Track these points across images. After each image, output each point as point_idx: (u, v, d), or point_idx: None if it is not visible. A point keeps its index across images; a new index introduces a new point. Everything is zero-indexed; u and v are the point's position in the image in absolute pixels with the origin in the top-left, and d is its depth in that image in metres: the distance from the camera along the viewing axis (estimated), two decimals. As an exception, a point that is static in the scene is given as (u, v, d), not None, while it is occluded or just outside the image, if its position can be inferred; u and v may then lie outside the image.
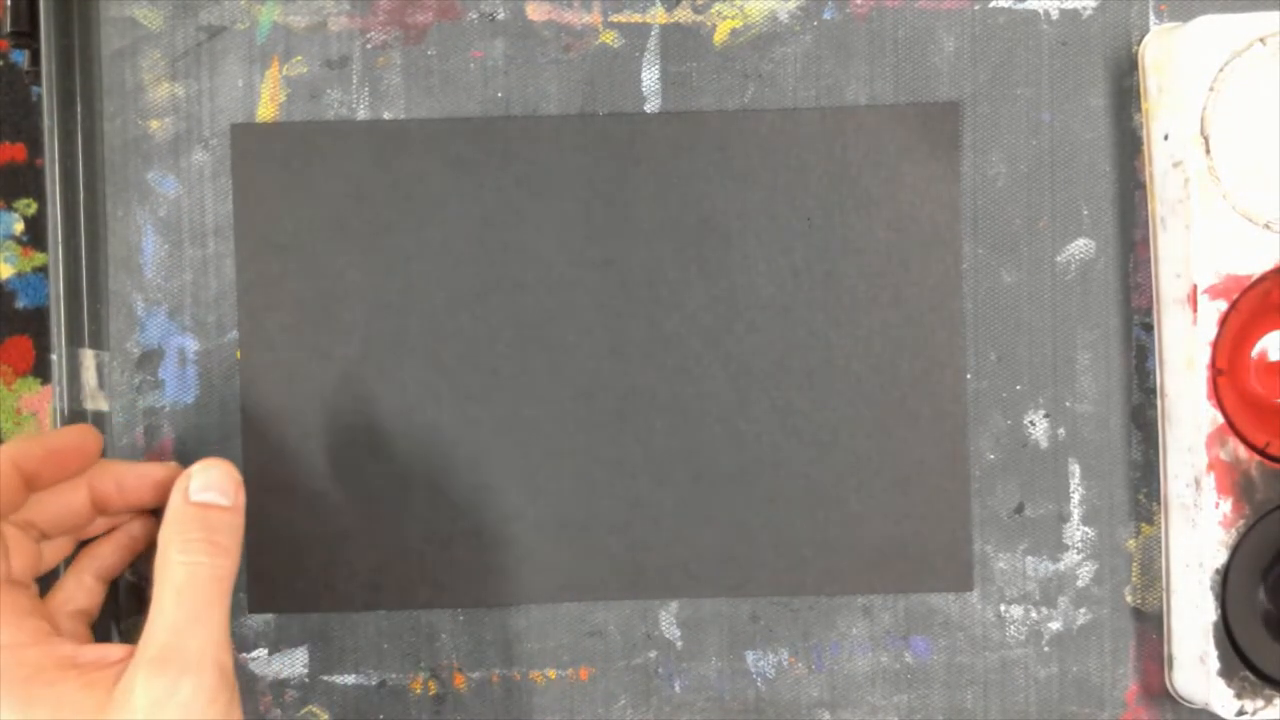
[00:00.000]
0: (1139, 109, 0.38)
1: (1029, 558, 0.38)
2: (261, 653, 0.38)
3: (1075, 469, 0.38)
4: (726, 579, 0.38)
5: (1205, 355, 0.35)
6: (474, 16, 0.38)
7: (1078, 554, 0.38)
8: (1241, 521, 0.35)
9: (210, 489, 0.33)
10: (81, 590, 0.35)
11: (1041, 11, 0.38)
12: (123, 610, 0.38)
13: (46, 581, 0.35)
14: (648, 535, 0.38)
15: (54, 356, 0.37)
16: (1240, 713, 0.35)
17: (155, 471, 0.36)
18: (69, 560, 0.36)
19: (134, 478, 0.35)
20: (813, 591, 0.38)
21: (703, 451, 0.38)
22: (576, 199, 0.38)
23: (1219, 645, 0.35)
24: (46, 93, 0.37)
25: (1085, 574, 0.38)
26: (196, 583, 0.31)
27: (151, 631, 0.30)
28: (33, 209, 0.45)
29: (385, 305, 0.38)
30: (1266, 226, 0.35)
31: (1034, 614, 0.38)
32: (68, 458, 0.34)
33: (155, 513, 0.36)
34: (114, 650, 0.31)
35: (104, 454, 0.38)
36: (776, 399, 0.38)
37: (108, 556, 0.36)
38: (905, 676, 0.38)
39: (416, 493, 0.38)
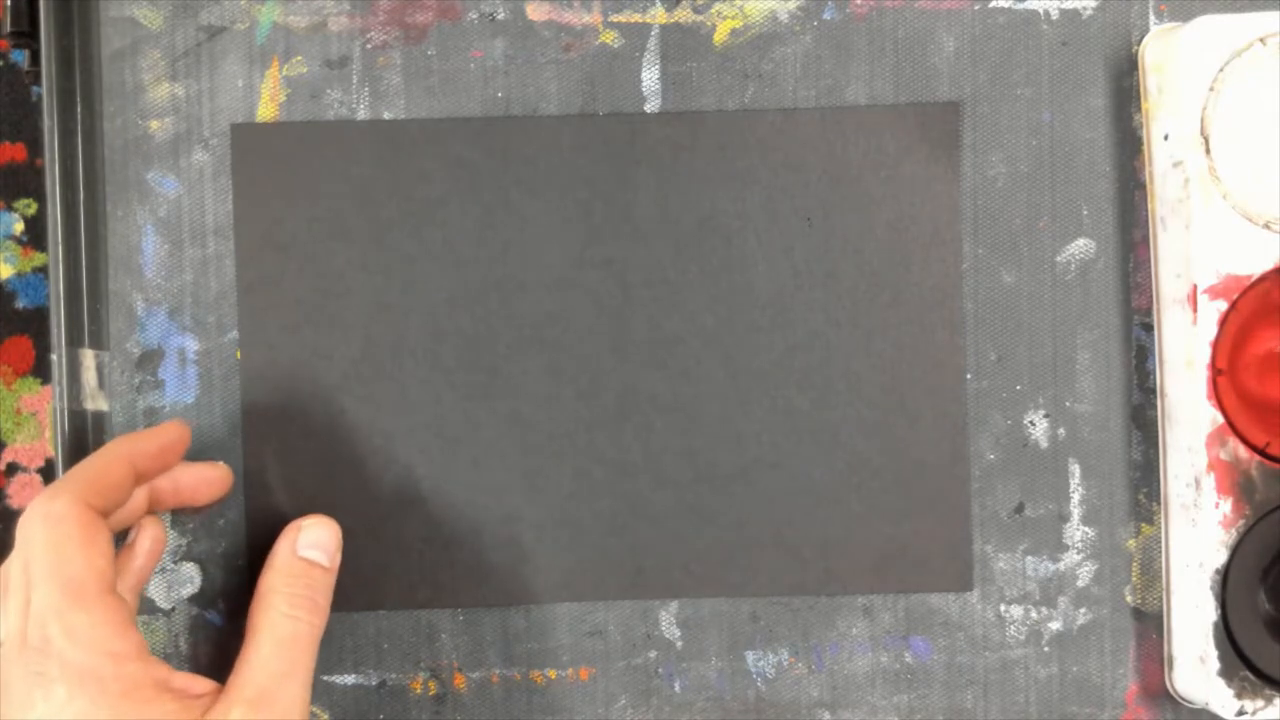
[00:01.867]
0: (1139, 109, 0.38)
1: (1029, 558, 0.38)
2: (261, 653, 0.38)
3: (1075, 469, 0.38)
4: (726, 579, 0.38)
5: (1205, 355, 0.35)
6: (474, 16, 0.38)
7: (1078, 554, 0.38)
8: (1241, 521, 0.35)
9: (317, 547, 0.35)
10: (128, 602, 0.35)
11: (1041, 11, 0.38)
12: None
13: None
14: (648, 535, 0.38)
15: (54, 356, 0.37)
16: (1240, 713, 0.35)
17: (209, 471, 0.37)
18: None
19: (189, 476, 0.36)
20: (813, 591, 0.38)
21: (703, 451, 0.38)
22: (576, 199, 0.38)
23: (1219, 645, 0.35)
24: (46, 93, 0.37)
25: (1085, 574, 0.38)
26: (298, 639, 0.33)
27: (250, 674, 0.31)
28: (33, 209, 0.45)
29: (385, 305, 0.38)
30: (1266, 226, 0.35)
31: (1034, 614, 0.38)
32: (170, 455, 0.35)
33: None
34: (201, 683, 0.31)
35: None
36: (776, 399, 0.38)
37: (141, 568, 0.36)
38: (905, 676, 0.38)
39: (416, 493, 0.38)
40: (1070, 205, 0.38)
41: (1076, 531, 0.38)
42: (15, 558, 0.31)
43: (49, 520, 0.31)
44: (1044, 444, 0.38)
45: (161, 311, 0.38)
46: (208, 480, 0.37)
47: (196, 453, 0.38)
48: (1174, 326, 0.37)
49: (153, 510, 0.36)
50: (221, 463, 0.38)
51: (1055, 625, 0.38)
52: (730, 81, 0.38)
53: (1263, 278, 0.35)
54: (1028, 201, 0.38)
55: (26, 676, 0.29)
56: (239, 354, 0.38)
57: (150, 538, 0.36)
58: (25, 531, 0.31)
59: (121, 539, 0.36)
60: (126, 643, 0.30)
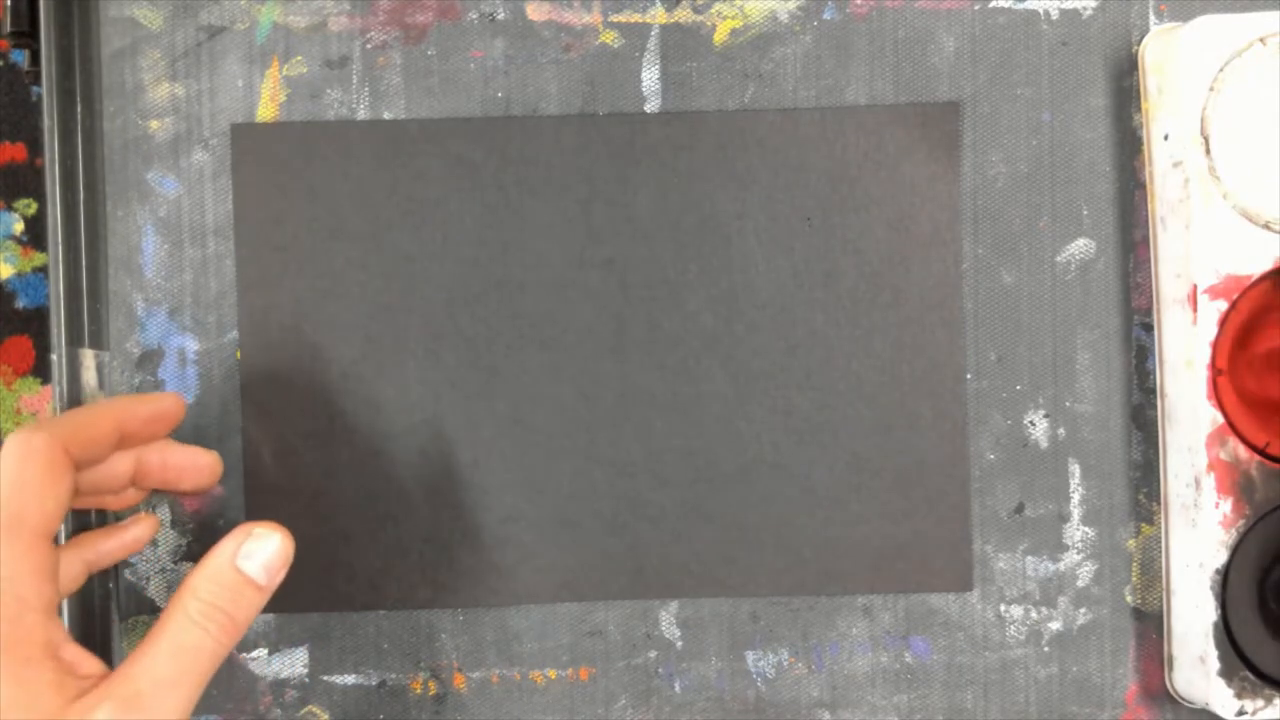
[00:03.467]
0: (1139, 109, 0.38)
1: (1029, 558, 0.38)
2: (261, 653, 0.38)
3: (1075, 469, 0.38)
4: (726, 579, 0.38)
5: (1205, 355, 0.35)
6: (474, 16, 0.38)
7: (1078, 554, 0.38)
8: (1241, 521, 0.35)
9: (255, 560, 0.32)
10: (69, 574, 0.35)
11: (1041, 11, 0.38)
12: (123, 609, 0.38)
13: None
14: (648, 535, 0.38)
15: (54, 356, 0.37)
16: (1240, 713, 0.35)
17: (200, 456, 0.36)
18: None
19: (179, 456, 0.36)
20: (813, 591, 0.38)
21: (703, 451, 0.38)
22: (576, 199, 0.38)
23: (1219, 645, 0.35)
24: (46, 93, 0.37)
25: (1085, 574, 0.38)
26: (198, 650, 0.30)
27: (134, 672, 0.29)
28: (33, 209, 0.45)
29: (385, 305, 0.38)
30: (1266, 226, 0.35)
31: (1034, 614, 0.38)
32: (160, 425, 0.35)
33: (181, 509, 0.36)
34: (91, 663, 0.30)
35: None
36: (776, 399, 0.38)
37: (106, 550, 0.36)
38: (905, 676, 0.38)
39: (416, 493, 0.38)
40: (1070, 205, 0.38)
41: (1076, 531, 0.38)
42: None
43: (17, 449, 0.30)
44: (1044, 444, 0.38)
45: (161, 311, 0.38)
46: (196, 465, 0.36)
47: (196, 453, 0.38)
48: (1174, 326, 0.37)
49: (139, 484, 0.36)
50: (215, 452, 0.37)
51: (1055, 625, 0.38)
52: (730, 81, 0.38)
53: (1263, 278, 0.35)
54: (1028, 201, 0.38)
55: None
56: (239, 354, 0.38)
57: (140, 528, 0.36)
58: None
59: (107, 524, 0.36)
60: (35, 592, 0.29)
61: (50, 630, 0.29)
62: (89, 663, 0.30)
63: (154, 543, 0.38)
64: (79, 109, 0.38)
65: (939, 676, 0.38)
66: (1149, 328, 0.38)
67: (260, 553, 0.32)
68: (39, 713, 0.28)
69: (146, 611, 0.38)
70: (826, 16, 0.38)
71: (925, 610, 0.38)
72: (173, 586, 0.38)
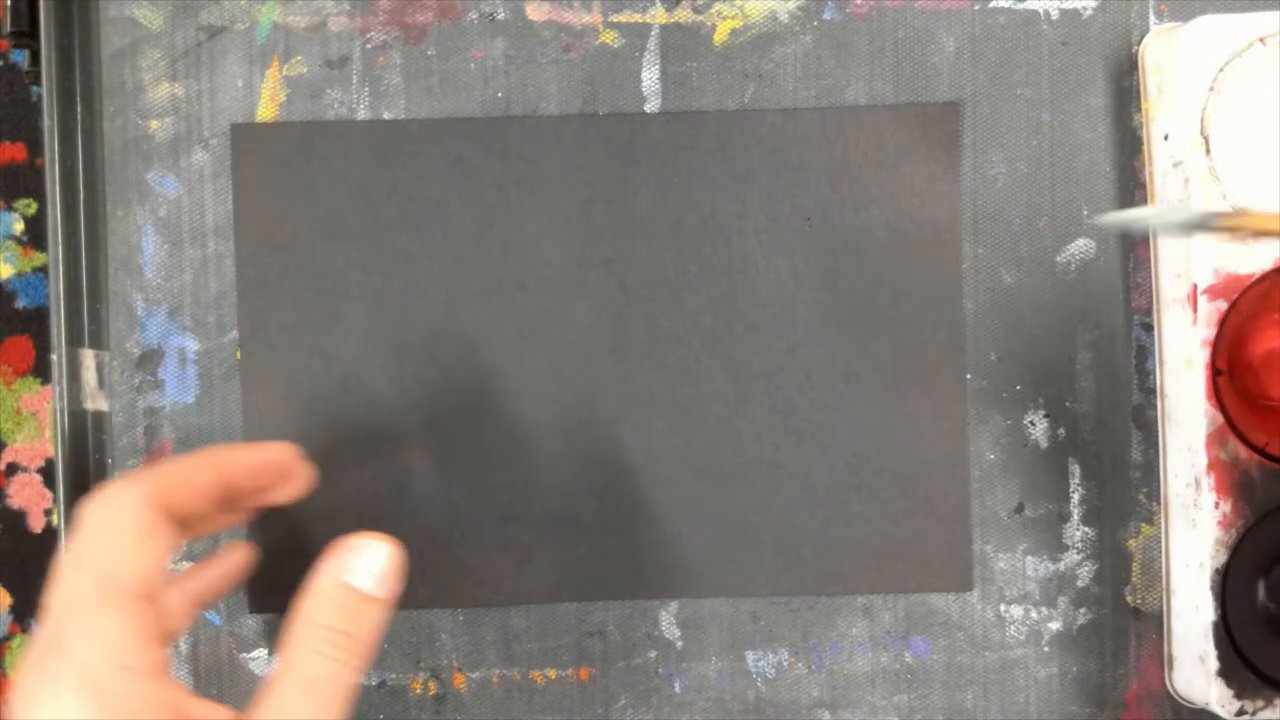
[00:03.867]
0: (1139, 109, 0.38)
1: (1029, 558, 0.38)
2: (261, 653, 0.38)
3: (1075, 469, 0.38)
4: (726, 579, 0.38)
5: (1205, 355, 0.35)
6: (474, 16, 0.38)
7: (1078, 554, 0.38)
8: (1241, 521, 0.35)
9: (362, 571, 0.30)
10: (178, 617, 0.33)
11: (1041, 11, 0.38)
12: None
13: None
14: (648, 535, 0.38)
15: (54, 356, 0.37)
16: (1240, 713, 0.35)
17: (274, 453, 0.33)
18: None
19: (260, 459, 0.33)
20: (813, 591, 0.38)
21: (703, 451, 0.38)
22: (576, 199, 0.38)
23: (1219, 645, 0.35)
24: (46, 93, 0.37)
25: (1085, 574, 0.38)
26: (331, 683, 0.28)
27: (269, 716, 0.27)
28: (33, 209, 0.45)
29: (385, 305, 0.38)
30: (1266, 226, 0.35)
31: (1034, 614, 0.38)
32: (267, 476, 0.32)
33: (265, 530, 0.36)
34: (221, 712, 0.28)
35: (103, 454, 0.38)
36: (776, 399, 0.38)
37: (212, 581, 0.34)
38: (905, 677, 0.38)
39: (416, 492, 0.38)
40: (1070, 205, 0.38)
41: (1076, 531, 0.38)
42: (68, 541, 0.28)
43: (106, 505, 0.28)
44: (1044, 444, 0.38)
45: (161, 311, 0.38)
46: (276, 466, 0.33)
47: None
48: (1174, 326, 0.36)
49: (229, 507, 0.33)
50: (287, 444, 0.34)
51: (1055, 625, 0.38)
52: (730, 81, 0.38)
53: (1263, 278, 0.35)
54: (1028, 201, 0.38)
55: (38, 673, 0.26)
56: (239, 354, 0.38)
57: (233, 560, 0.34)
58: (82, 513, 0.28)
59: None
60: (146, 657, 0.27)
61: (170, 692, 0.27)
62: (218, 712, 0.28)
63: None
64: (79, 109, 0.38)
65: (939, 676, 0.38)
66: (1149, 328, 0.38)
67: (364, 563, 0.30)
68: None
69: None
70: (826, 16, 0.38)
71: (925, 610, 0.38)
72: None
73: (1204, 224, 0.28)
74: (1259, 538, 0.35)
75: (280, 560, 0.38)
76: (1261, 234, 0.27)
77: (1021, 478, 0.38)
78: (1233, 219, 0.27)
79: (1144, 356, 0.38)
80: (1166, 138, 0.36)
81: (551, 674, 0.38)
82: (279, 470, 0.32)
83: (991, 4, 0.38)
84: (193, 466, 0.30)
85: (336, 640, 0.29)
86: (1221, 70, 0.35)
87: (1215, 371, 0.35)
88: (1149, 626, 0.38)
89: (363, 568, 0.30)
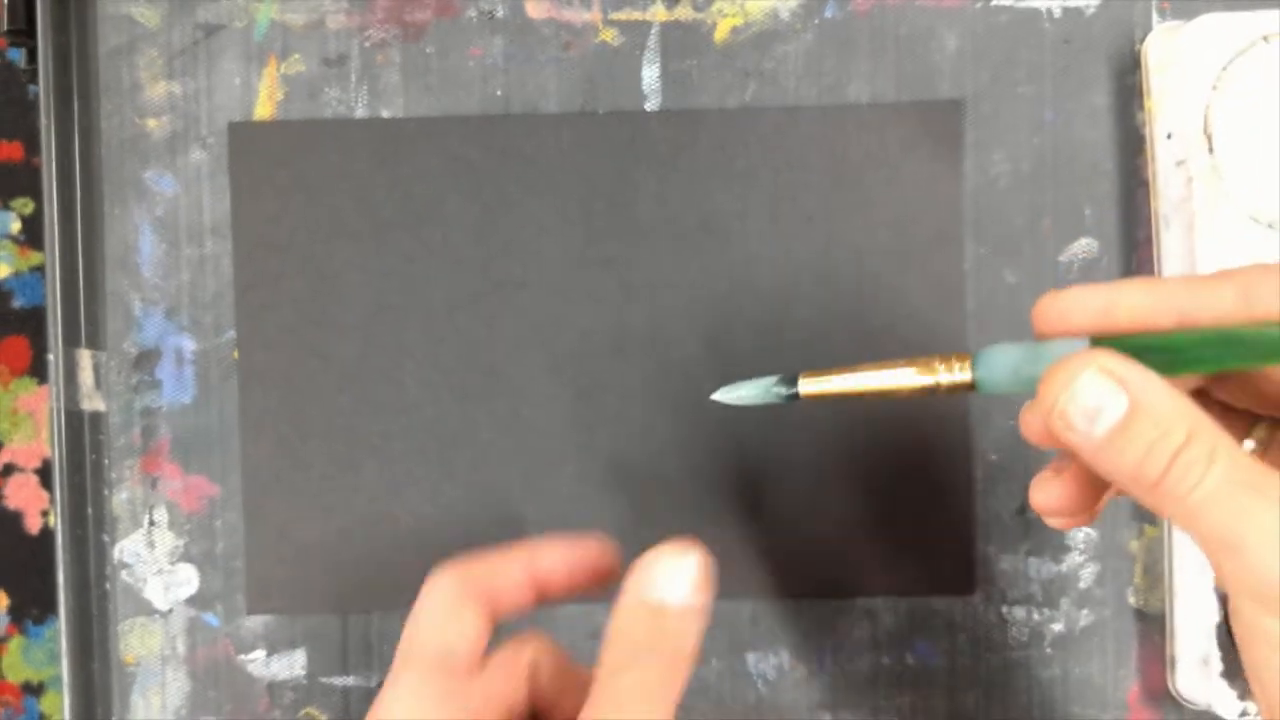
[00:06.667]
0: (1142, 107, 0.38)
1: (1031, 559, 0.38)
2: (260, 654, 0.38)
3: (1077, 469, 0.38)
4: (726, 580, 0.38)
5: (1208, 355, 0.35)
6: (473, 14, 0.38)
7: (1080, 555, 0.38)
8: (1245, 522, 0.35)
9: (663, 586, 0.27)
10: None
11: (1044, 9, 0.38)
12: (122, 610, 0.38)
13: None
14: (648, 535, 0.38)
15: (51, 356, 0.37)
16: (1243, 714, 0.35)
17: (586, 550, 0.30)
18: None
19: (569, 556, 0.30)
20: (814, 594, 0.38)
21: (703, 452, 0.38)
22: (576, 198, 0.38)
23: (1222, 647, 0.35)
24: (43, 91, 0.37)
25: (1088, 575, 0.38)
26: (646, 707, 0.26)
27: None
28: (29, 208, 0.45)
29: (385, 305, 0.38)
30: (1270, 225, 0.35)
31: (1036, 615, 0.38)
32: (585, 578, 0.29)
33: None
34: None
35: (100, 454, 0.38)
36: (777, 399, 0.38)
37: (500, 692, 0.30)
38: (907, 678, 0.38)
39: (416, 493, 0.38)
40: (1073, 204, 0.38)
41: (1079, 533, 0.38)
42: None
43: (430, 588, 0.28)
44: (1046, 444, 0.38)
45: (159, 311, 0.38)
46: (594, 565, 0.30)
47: (195, 453, 0.38)
48: (1177, 326, 0.36)
49: (539, 601, 0.30)
50: (601, 543, 0.30)
51: (1057, 627, 0.38)
52: (731, 79, 0.38)
53: (1266, 277, 0.35)
54: (1030, 201, 0.38)
55: None
56: (236, 354, 0.38)
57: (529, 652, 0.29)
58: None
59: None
60: (439, 714, 0.26)
61: None
62: None
63: (151, 544, 0.38)
64: (76, 107, 0.38)
65: (941, 678, 0.38)
66: (1152, 327, 0.38)
67: (663, 578, 0.27)
68: None
69: (144, 613, 0.38)
70: (828, 14, 0.38)
71: (927, 612, 0.38)
72: (171, 588, 0.38)
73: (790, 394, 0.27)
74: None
75: (279, 561, 0.38)
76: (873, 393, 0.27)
77: (1024, 479, 0.38)
78: (823, 381, 0.27)
79: (1147, 356, 0.38)
80: (1169, 136, 0.36)
81: (551, 675, 0.38)
82: (589, 565, 0.30)
83: (994, 2, 0.38)
84: (503, 558, 0.29)
85: (644, 661, 0.26)
86: (1225, 69, 0.35)
87: (1219, 371, 0.35)
88: (1152, 628, 0.38)
89: (656, 582, 0.27)
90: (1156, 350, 0.24)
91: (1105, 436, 0.24)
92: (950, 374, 0.26)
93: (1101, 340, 0.25)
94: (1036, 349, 0.25)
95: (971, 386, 0.26)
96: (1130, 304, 0.25)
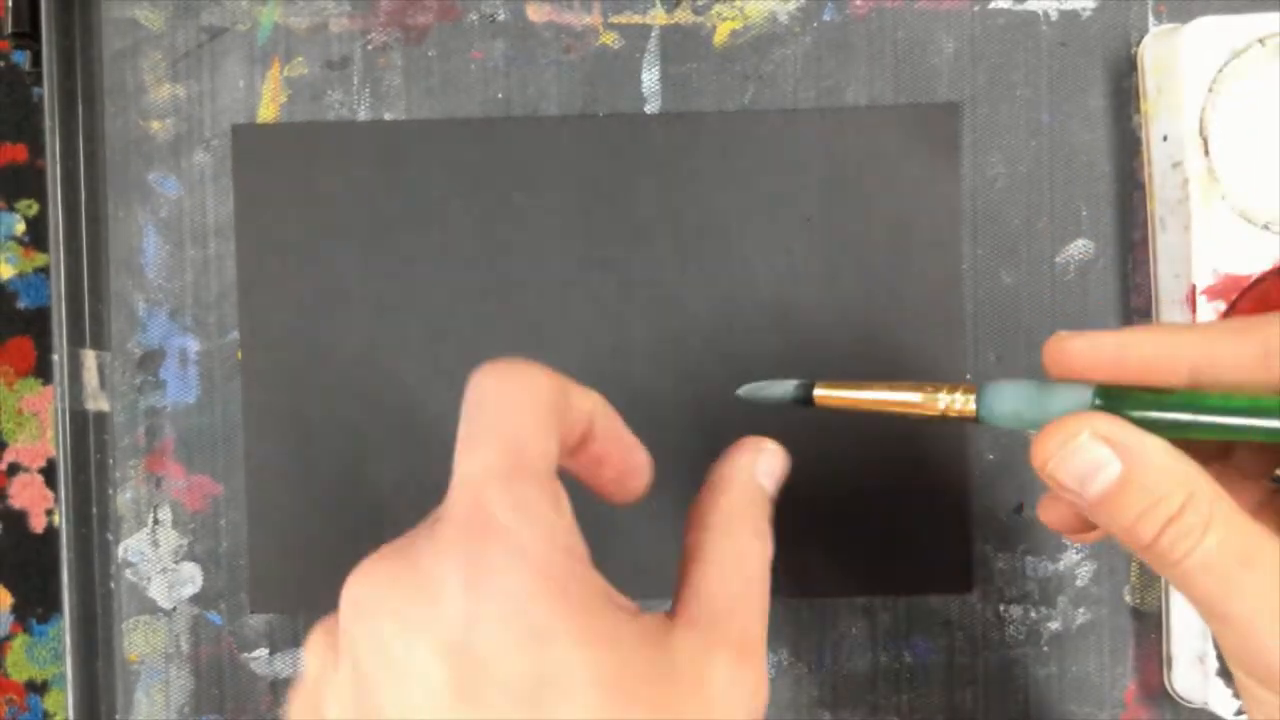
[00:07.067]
0: (1138, 110, 0.38)
1: (1028, 558, 0.38)
2: (262, 653, 0.38)
3: (1074, 469, 0.38)
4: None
5: (1204, 356, 0.35)
6: (474, 18, 0.39)
7: (1077, 554, 0.38)
8: (1240, 521, 0.35)
9: (773, 477, 0.29)
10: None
11: (1041, 12, 0.38)
12: (124, 609, 0.38)
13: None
14: (648, 535, 0.38)
15: (55, 357, 0.37)
16: (1239, 712, 0.35)
17: (638, 448, 0.30)
18: None
19: (629, 439, 0.29)
20: (812, 593, 0.38)
21: (703, 451, 0.38)
22: (576, 199, 0.38)
23: (1218, 645, 0.35)
24: (48, 93, 0.37)
25: (1084, 574, 0.38)
26: (759, 561, 0.26)
27: (733, 614, 0.25)
28: (34, 209, 0.45)
29: (385, 305, 0.38)
30: (1265, 227, 0.35)
31: (1033, 614, 0.38)
32: (623, 461, 0.29)
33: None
34: (629, 602, 0.25)
35: (104, 455, 0.38)
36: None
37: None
38: (905, 676, 0.39)
39: (418, 493, 0.38)
40: (1069, 206, 0.38)
41: (1076, 531, 0.38)
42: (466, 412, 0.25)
43: (508, 377, 0.26)
44: (1043, 444, 0.38)
45: (162, 312, 0.39)
46: (634, 464, 0.30)
47: (198, 453, 0.38)
48: (1173, 327, 0.37)
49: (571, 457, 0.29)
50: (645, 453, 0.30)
51: (1054, 625, 0.38)
52: (730, 82, 0.38)
53: (1262, 278, 0.35)
54: (1027, 202, 0.38)
55: (450, 561, 0.22)
56: (239, 354, 0.38)
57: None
58: (477, 385, 0.26)
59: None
60: (579, 542, 0.24)
61: (600, 581, 0.25)
62: (627, 602, 0.26)
63: (155, 543, 0.38)
64: (80, 110, 0.38)
65: (939, 676, 0.38)
66: (1148, 328, 0.38)
67: (773, 468, 0.29)
68: (648, 671, 0.23)
69: (148, 611, 0.38)
70: (826, 18, 0.38)
71: (925, 610, 0.38)
72: (174, 586, 0.38)
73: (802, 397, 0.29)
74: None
75: (282, 560, 0.38)
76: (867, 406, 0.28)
77: (1021, 478, 0.38)
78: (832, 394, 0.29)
79: (1143, 357, 0.38)
80: (1165, 139, 0.36)
81: (552, 674, 0.38)
82: (633, 460, 0.29)
83: (991, 5, 0.38)
84: (581, 391, 0.27)
85: (762, 529, 0.27)
86: (1221, 71, 0.35)
87: (1214, 372, 0.35)
88: (1148, 626, 0.38)
89: (770, 471, 0.29)
90: (1168, 408, 0.24)
91: (1097, 500, 0.24)
92: (954, 404, 0.26)
93: (1110, 391, 0.24)
94: (1041, 393, 0.25)
95: (975, 418, 0.26)
96: (1141, 354, 0.24)
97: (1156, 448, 0.24)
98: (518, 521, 0.23)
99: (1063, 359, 0.25)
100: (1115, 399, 0.24)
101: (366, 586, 0.24)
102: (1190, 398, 0.24)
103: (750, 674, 0.24)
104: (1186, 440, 0.24)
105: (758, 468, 0.29)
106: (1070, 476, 0.24)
